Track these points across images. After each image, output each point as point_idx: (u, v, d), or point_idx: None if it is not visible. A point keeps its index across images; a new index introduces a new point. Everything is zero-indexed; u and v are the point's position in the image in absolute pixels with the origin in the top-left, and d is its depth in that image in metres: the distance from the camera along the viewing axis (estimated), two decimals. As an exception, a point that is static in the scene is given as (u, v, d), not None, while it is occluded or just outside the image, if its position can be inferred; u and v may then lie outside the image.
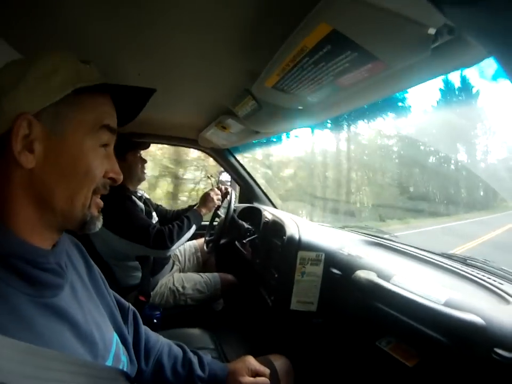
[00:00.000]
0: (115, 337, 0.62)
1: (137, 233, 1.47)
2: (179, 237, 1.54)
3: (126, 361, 0.63)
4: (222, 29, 0.73)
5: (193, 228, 1.62)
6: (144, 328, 0.83)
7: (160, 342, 0.84)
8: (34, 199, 0.48)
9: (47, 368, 0.39)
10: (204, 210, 1.73)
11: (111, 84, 0.53)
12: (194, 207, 1.75)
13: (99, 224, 0.56)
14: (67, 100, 0.49)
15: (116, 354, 0.59)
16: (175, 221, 1.64)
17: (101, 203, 0.56)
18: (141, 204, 1.66)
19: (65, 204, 0.50)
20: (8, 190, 0.47)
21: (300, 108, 0.96)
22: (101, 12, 0.68)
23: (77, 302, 0.54)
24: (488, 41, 0.42)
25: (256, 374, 0.86)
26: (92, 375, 0.45)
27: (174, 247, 1.52)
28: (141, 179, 1.73)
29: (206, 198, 1.77)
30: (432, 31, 0.47)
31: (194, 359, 0.83)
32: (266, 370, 0.87)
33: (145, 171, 1.76)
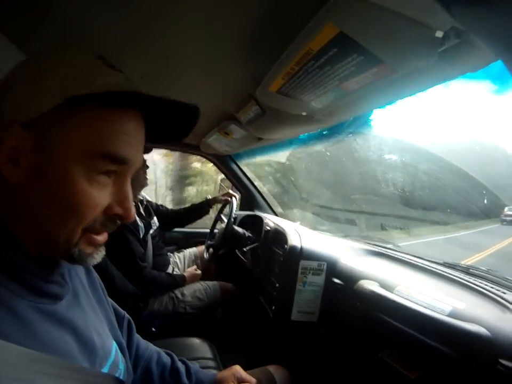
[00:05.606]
0: (114, 346, 0.61)
1: (129, 272, 1.58)
2: (160, 288, 1.67)
3: (124, 369, 0.61)
4: (225, 33, 0.72)
5: (174, 287, 1.71)
6: (136, 337, 0.82)
7: (150, 349, 0.83)
8: (25, 220, 0.43)
9: (41, 373, 0.37)
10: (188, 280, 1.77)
11: (130, 92, 0.42)
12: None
13: (94, 260, 0.47)
14: (60, 111, 0.40)
15: (114, 362, 0.57)
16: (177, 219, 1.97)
17: (100, 240, 0.47)
18: (140, 224, 1.67)
19: (51, 230, 0.43)
20: (2, 208, 0.43)
21: (304, 113, 0.96)
22: (106, 12, 0.67)
23: (79, 309, 0.53)
24: (497, 43, 0.42)
25: (242, 383, 0.84)
26: (86, 381, 0.44)
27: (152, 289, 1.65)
28: (143, 185, 1.71)
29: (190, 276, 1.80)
30: (439, 34, 0.47)
31: (182, 368, 0.81)
32: (252, 380, 0.85)
33: (147, 176, 1.74)
